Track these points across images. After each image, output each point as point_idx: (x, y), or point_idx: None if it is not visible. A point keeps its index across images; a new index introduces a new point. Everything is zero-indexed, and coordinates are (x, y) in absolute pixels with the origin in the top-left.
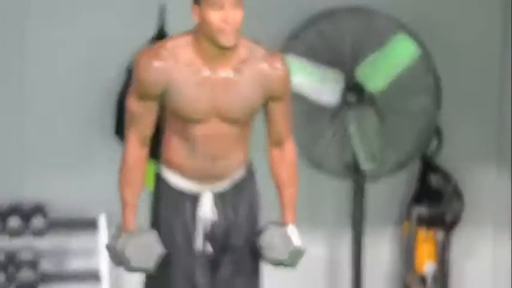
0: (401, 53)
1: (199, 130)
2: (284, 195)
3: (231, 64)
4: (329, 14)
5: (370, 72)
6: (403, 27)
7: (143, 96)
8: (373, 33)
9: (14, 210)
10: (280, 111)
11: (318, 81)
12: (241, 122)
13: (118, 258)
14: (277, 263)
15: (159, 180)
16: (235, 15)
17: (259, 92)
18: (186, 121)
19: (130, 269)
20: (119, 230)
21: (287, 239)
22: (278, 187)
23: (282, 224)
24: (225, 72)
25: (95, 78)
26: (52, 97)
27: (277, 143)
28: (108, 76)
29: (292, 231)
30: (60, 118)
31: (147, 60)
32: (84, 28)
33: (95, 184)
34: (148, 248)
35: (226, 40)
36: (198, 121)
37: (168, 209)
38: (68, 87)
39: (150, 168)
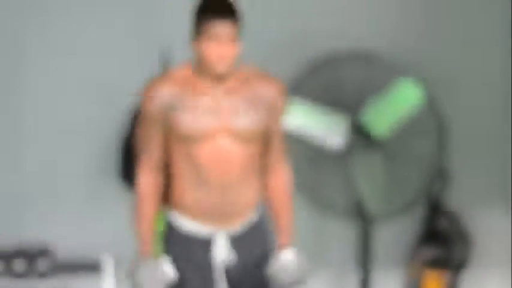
0: (405, 97)
1: (206, 151)
2: (280, 221)
3: (231, 85)
4: (333, 60)
5: (375, 116)
6: (407, 72)
7: (148, 122)
8: (377, 78)
9: (19, 252)
10: (277, 135)
11: (323, 126)
12: (248, 142)
13: (133, 283)
14: (289, 285)
15: (169, 224)
16: (230, 50)
17: (260, 110)
18: (192, 141)
19: None
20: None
21: (295, 260)
22: (273, 213)
23: (281, 248)
24: (227, 91)
25: (101, 120)
26: (56, 140)
27: (272, 168)
28: (114, 119)
29: (291, 253)
30: (64, 161)
31: (150, 87)
32: (88, 71)
33: (100, 227)
34: (158, 275)
35: (219, 68)
36: (203, 140)
37: (180, 257)
38: (73, 130)
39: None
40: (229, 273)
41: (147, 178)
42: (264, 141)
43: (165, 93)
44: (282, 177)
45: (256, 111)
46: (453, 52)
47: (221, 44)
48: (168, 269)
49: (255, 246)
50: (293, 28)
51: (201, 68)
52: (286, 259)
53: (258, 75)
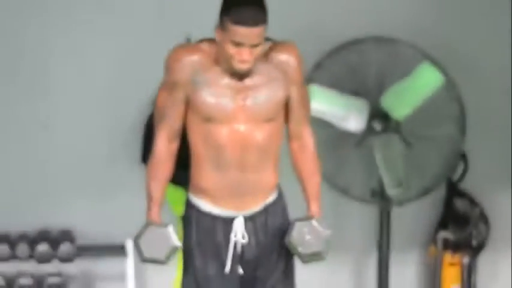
0: (426, 81)
1: (225, 132)
2: (308, 187)
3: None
4: (354, 44)
5: (395, 100)
6: (427, 56)
7: (172, 87)
8: (398, 62)
9: (42, 236)
10: (297, 99)
11: (343, 110)
12: (270, 121)
13: (135, 247)
14: (310, 257)
15: (189, 206)
16: (252, 52)
17: (280, 82)
18: (212, 122)
19: (143, 259)
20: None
21: (315, 231)
22: (301, 180)
23: (308, 217)
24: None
25: (123, 106)
26: (79, 124)
27: (296, 135)
28: (135, 103)
29: (318, 222)
30: (87, 145)
31: (178, 51)
32: (109, 57)
33: (122, 210)
34: (161, 240)
35: (240, 67)
36: (223, 120)
37: (199, 234)
38: (95, 114)
39: (179, 194)
40: (247, 253)
41: (164, 147)
42: (286, 112)
43: (194, 60)
44: (307, 142)
45: (277, 84)
46: (474, 38)
47: (244, 48)
48: (172, 237)
49: (273, 226)
50: (313, 13)
51: (221, 58)
52: (308, 229)
53: (272, 44)
